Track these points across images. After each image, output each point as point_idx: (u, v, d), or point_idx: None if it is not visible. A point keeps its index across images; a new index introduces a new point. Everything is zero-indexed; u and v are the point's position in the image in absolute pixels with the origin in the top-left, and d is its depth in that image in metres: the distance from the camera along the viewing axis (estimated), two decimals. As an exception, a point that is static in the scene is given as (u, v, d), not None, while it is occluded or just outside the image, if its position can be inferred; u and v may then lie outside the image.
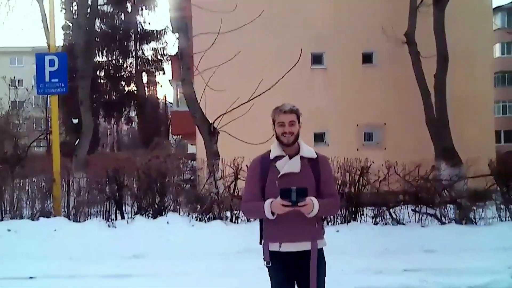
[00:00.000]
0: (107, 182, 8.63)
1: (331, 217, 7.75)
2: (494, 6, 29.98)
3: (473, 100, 15.08)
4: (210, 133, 9.23)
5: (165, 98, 36.93)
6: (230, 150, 8.89)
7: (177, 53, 11.84)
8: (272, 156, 2.87)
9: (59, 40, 20.34)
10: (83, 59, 13.48)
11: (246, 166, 8.36)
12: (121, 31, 32.02)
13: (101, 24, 30.40)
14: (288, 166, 2.80)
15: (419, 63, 12.89)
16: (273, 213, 2.70)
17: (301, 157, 2.84)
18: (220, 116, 9.27)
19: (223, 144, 9.50)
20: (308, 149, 2.90)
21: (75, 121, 13.79)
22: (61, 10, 28.53)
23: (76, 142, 13.09)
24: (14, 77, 36.35)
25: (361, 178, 8.34)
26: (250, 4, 12.27)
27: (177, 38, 8.97)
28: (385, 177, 8.30)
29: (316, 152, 2.92)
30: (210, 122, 9.35)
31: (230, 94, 10.10)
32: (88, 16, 14.22)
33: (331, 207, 2.90)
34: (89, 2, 14.87)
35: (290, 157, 2.82)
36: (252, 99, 9.48)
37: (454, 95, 13.31)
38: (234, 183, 8.26)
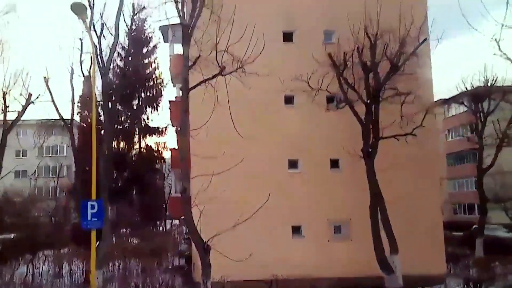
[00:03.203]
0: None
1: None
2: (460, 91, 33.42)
3: (422, 210, 18.56)
4: (204, 250, 12.26)
5: (164, 182, 40.08)
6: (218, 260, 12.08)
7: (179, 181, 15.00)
8: None
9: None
10: (103, 177, 16.24)
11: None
12: (126, 126, 35.87)
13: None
14: None
15: (373, 175, 16.30)
16: None
17: None
18: (211, 238, 12.32)
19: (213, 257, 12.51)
20: None
21: (96, 229, 16.57)
22: (77, 113, 32.37)
23: (96, 245, 15.81)
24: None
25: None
26: (235, 149, 15.73)
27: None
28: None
29: None
30: (204, 241, 12.39)
31: (222, 216, 13.40)
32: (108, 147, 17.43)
33: None
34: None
35: None
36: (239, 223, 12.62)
37: (404, 195, 16.79)
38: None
